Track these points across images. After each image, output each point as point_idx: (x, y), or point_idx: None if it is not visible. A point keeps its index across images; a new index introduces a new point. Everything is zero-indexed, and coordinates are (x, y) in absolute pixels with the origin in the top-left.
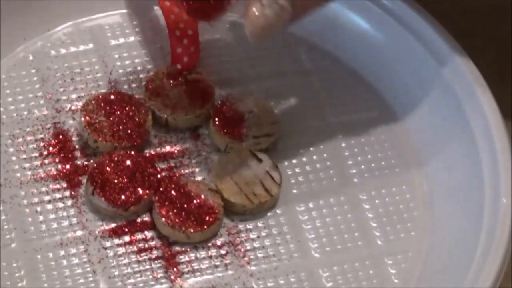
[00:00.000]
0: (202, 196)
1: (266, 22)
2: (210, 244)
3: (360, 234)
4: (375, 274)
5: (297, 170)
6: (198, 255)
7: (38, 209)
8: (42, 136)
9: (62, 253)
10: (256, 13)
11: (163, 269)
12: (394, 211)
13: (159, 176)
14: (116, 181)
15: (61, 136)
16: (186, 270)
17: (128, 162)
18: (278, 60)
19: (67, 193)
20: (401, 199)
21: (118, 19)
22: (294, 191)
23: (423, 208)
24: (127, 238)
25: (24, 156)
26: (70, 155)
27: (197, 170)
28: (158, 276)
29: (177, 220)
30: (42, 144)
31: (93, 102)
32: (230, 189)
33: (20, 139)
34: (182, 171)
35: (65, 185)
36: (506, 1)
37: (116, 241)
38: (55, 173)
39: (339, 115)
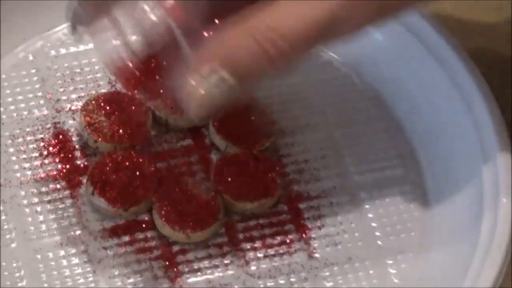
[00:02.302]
0: (202, 196)
1: (212, 101)
2: (210, 244)
3: (360, 234)
4: (375, 274)
5: (296, 169)
6: (198, 255)
7: (38, 209)
8: (42, 136)
9: (62, 253)
10: (201, 93)
11: (163, 269)
12: (394, 211)
13: (159, 176)
14: (116, 181)
15: (61, 136)
16: (186, 270)
17: (128, 162)
18: None
19: (67, 193)
20: (401, 199)
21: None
22: (294, 190)
23: (423, 208)
24: (127, 238)
25: (24, 156)
26: (70, 155)
27: (197, 170)
28: (158, 276)
29: (177, 220)
30: (42, 144)
31: (93, 102)
32: (230, 189)
33: (20, 139)
34: (182, 171)
35: (65, 185)
36: (506, 1)
37: (116, 241)
38: (55, 173)
39: (339, 114)
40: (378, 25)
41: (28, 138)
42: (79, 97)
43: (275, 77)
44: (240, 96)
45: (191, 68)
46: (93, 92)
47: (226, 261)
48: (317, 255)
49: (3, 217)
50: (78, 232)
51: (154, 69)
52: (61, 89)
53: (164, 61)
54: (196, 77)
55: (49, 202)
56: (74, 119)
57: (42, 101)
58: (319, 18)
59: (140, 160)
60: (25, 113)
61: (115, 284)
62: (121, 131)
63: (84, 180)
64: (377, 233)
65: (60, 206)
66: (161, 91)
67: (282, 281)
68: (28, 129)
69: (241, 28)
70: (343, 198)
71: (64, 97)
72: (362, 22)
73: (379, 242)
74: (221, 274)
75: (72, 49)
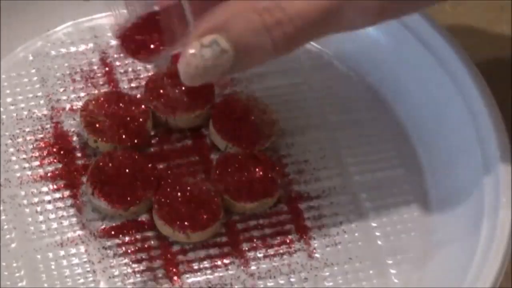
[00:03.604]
0: (202, 196)
1: (202, 63)
2: (210, 244)
3: (360, 234)
4: (375, 274)
5: (296, 170)
6: (198, 255)
7: (38, 209)
8: (42, 136)
9: (62, 253)
10: (192, 52)
11: (163, 269)
12: (394, 211)
13: (159, 176)
14: (116, 181)
15: (61, 136)
16: (186, 270)
17: (128, 162)
18: (278, 60)
19: (67, 193)
20: (401, 199)
21: None
22: (294, 190)
23: (423, 208)
24: (127, 238)
25: (24, 156)
26: (70, 155)
27: (197, 170)
28: (158, 276)
29: (177, 220)
30: (42, 144)
31: (93, 102)
32: (230, 189)
33: (20, 139)
34: (182, 171)
35: (65, 185)
36: (506, 1)
37: (116, 241)
38: (55, 173)
39: (339, 115)
40: (379, 23)
41: (28, 138)
42: (79, 97)
43: (269, 59)
44: (233, 69)
45: (191, 33)
46: (93, 92)
47: (226, 261)
48: (317, 255)
49: (3, 217)
50: (78, 232)
51: (155, 30)
52: (61, 89)
53: (165, 23)
54: (194, 41)
55: (49, 202)
56: (74, 119)
57: (42, 101)
58: (327, 5)
59: (140, 160)
60: (25, 113)
61: (115, 284)
62: (121, 131)
63: (84, 180)
64: (377, 233)
65: (60, 206)
66: (161, 51)
67: (282, 281)
68: (28, 129)
69: (246, 1)
70: (343, 198)
71: (64, 97)
72: (366, 17)
73: (379, 242)
74: (221, 274)
75: (72, 49)
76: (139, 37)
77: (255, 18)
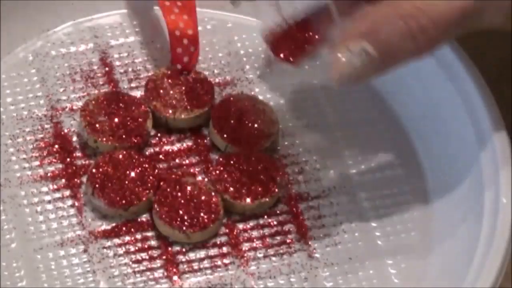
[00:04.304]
0: (202, 196)
1: (352, 70)
2: (210, 244)
3: (360, 234)
4: (375, 274)
5: (297, 170)
6: (198, 255)
7: (38, 209)
8: (42, 136)
9: (62, 253)
10: (341, 60)
11: (163, 269)
12: (394, 211)
13: (159, 176)
14: (116, 181)
15: (61, 136)
16: (186, 270)
17: (128, 162)
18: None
19: (67, 193)
20: (401, 199)
21: (118, 19)
22: (294, 190)
23: (423, 208)
24: (127, 238)
25: (24, 156)
26: (70, 155)
27: (197, 170)
28: (158, 276)
29: (177, 220)
30: (42, 144)
31: (93, 102)
32: (230, 189)
33: (20, 139)
34: (182, 171)
35: (65, 185)
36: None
37: (116, 241)
38: (55, 173)
39: (339, 115)
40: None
41: (28, 138)
42: (79, 97)
43: (412, 61)
44: (378, 72)
45: (339, 40)
46: (93, 92)
47: (226, 261)
48: (317, 255)
49: (3, 217)
50: (78, 232)
51: (303, 38)
52: (61, 89)
53: (315, 29)
54: (342, 48)
55: (49, 202)
56: (74, 119)
57: (42, 101)
58: (465, 5)
59: (140, 160)
60: (25, 113)
61: (115, 284)
62: (121, 131)
63: (84, 180)
64: (377, 233)
65: (60, 206)
66: (303, 58)
67: (282, 281)
68: (28, 129)
69: (390, 7)
70: (343, 198)
71: (64, 97)
72: (505, 15)
73: (379, 242)
74: (221, 274)
75: (72, 49)
76: (289, 43)
77: (401, 25)
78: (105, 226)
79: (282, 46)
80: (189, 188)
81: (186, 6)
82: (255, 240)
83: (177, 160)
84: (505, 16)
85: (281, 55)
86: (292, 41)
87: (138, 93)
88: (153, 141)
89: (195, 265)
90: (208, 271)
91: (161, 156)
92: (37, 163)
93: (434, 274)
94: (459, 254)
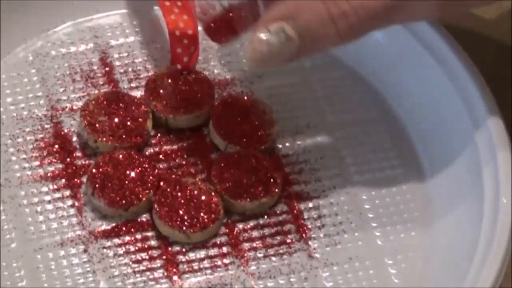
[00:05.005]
0: (202, 196)
1: (268, 49)
2: (210, 244)
3: (360, 234)
4: (375, 274)
5: (296, 170)
6: (198, 255)
7: (38, 209)
8: (42, 136)
9: (62, 253)
10: (259, 38)
11: (163, 269)
12: (394, 211)
13: (159, 176)
14: (116, 181)
15: (61, 136)
16: (186, 270)
17: (128, 162)
18: None
19: (67, 193)
20: (401, 199)
21: (118, 19)
22: (294, 191)
23: (423, 208)
24: (127, 238)
25: (24, 156)
26: (70, 155)
27: (197, 170)
28: (158, 276)
29: (177, 220)
30: (42, 144)
31: (93, 102)
32: (230, 189)
33: (20, 139)
34: (182, 171)
35: (65, 185)
36: (506, 1)
37: (116, 241)
38: (55, 173)
39: (339, 115)
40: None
41: (28, 138)
42: (79, 97)
43: (334, 46)
44: (298, 55)
45: (259, 22)
46: (93, 92)
47: (226, 261)
48: (317, 255)
49: (3, 217)
50: (78, 232)
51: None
52: (61, 89)
53: (241, 15)
54: (262, 29)
55: (49, 202)
56: (74, 119)
57: (42, 101)
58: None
59: (140, 160)
60: (25, 113)
61: (115, 284)
62: (121, 131)
63: (84, 180)
64: (377, 233)
65: (60, 206)
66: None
67: (282, 281)
68: (28, 129)
69: None
70: (343, 198)
71: (64, 97)
72: (429, 10)
73: (379, 242)
74: (221, 274)
75: (72, 49)
76: (221, 23)
77: (321, 8)
78: (105, 226)
79: (219, 30)
80: (189, 188)
81: (186, 6)
82: (255, 240)
83: (177, 160)
84: (430, 11)
85: (220, 38)
86: (226, 24)
87: (138, 93)
88: (153, 141)
89: (195, 265)
90: (208, 271)
91: (161, 156)
92: (37, 163)
93: (434, 274)
94: (459, 254)
